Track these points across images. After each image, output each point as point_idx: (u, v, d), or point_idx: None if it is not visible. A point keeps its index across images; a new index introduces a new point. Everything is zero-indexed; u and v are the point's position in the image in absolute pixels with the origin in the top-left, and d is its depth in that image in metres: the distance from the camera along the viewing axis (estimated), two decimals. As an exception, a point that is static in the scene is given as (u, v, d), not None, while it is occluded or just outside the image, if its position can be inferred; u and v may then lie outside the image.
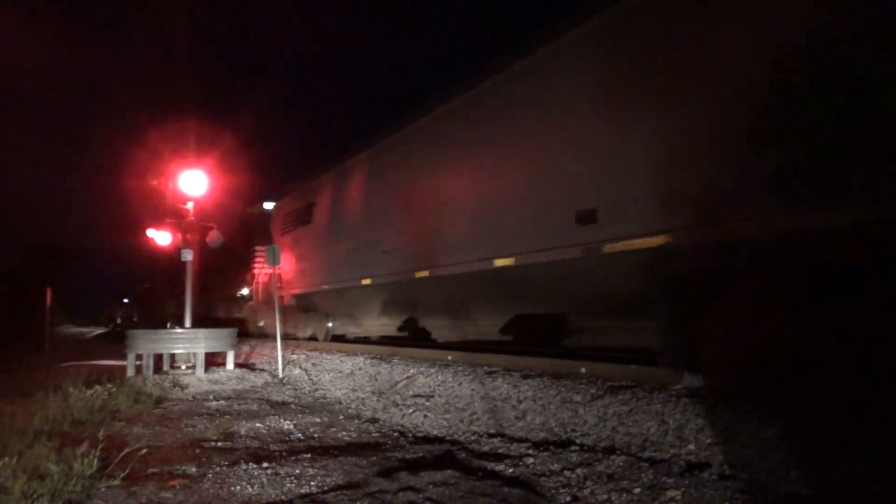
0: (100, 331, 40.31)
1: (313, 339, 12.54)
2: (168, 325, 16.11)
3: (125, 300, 56.66)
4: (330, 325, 12.32)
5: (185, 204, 9.80)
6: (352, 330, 11.97)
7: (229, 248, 14.93)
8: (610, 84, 5.61)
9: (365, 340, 11.20)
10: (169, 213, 9.80)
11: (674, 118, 4.97)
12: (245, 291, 16.39)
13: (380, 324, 10.25)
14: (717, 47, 4.68)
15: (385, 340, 10.18)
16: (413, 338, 9.65)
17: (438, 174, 8.11)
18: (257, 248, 15.22)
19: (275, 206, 14.99)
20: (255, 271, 15.52)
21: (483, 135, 7.29)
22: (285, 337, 11.63)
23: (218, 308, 19.40)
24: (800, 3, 4.21)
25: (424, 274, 8.18)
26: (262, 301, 15.07)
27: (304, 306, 12.97)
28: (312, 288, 11.99)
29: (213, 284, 18.78)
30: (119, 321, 49.02)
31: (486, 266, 6.95)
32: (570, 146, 5.96)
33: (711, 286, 4.65)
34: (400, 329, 9.81)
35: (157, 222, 10.03)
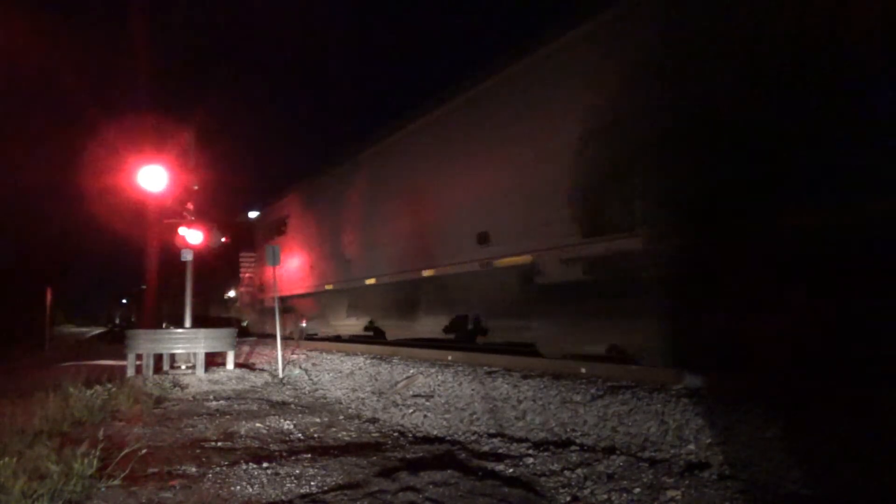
0: (99, 330, 41.17)
1: (289, 337, 13.67)
2: (163, 326, 16.57)
3: (123, 301, 57.35)
4: (304, 325, 13.61)
5: (185, 204, 9.80)
6: (323, 330, 13.00)
7: (218, 254, 16.24)
8: (486, 142, 7.63)
9: (336, 339, 12.22)
10: (173, 214, 9.78)
11: (521, 171, 6.97)
12: (232, 294, 18.20)
13: (347, 324, 11.29)
14: (542, 125, 6.68)
15: (366, 339, 10.94)
16: (374, 338, 10.64)
17: (377, 201, 10.17)
18: (242, 254, 17.02)
19: (256, 217, 16.29)
20: (241, 276, 17.37)
21: (409, 171, 9.30)
22: (262, 335, 12.66)
23: (209, 309, 21.29)
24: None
25: (372, 281, 9.93)
26: (247, 303, 16.90)
27: (283, 308, 13.95)
28: (288, 292, 13.64)
29: (204, 287, 20.01)
30: (117, 321, 49.71)
31: (417, 276, 8.67)
32: (471, 184, 7.90)
33: (569, 295, 6.27)
34: (366, 329, 10.76)
35: (176, 222, 9.91)
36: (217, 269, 18.44)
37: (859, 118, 4.01)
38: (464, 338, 8.09)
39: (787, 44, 4.37)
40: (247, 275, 17.29)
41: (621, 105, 5.66)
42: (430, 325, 8.70)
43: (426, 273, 8.59)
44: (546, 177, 6.55)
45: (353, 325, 11.06)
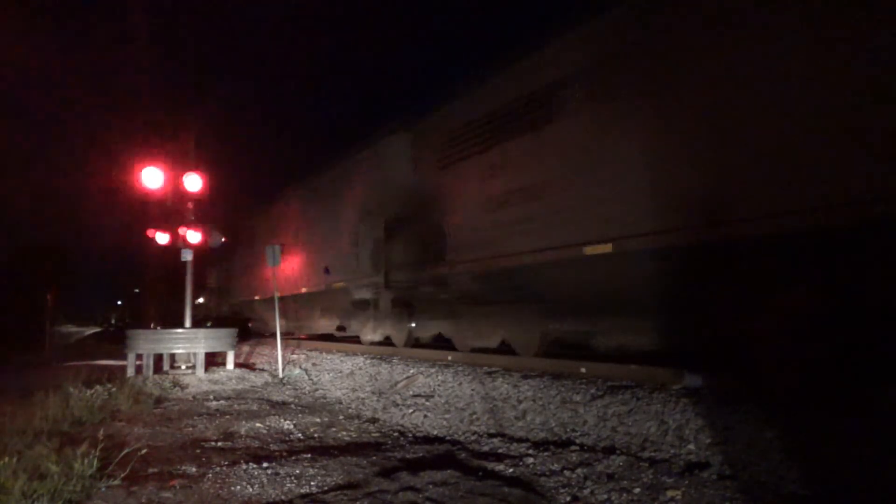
0: (97, 330, 42.88)
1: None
2: (151, 326, 18.04)
3: (119, 302, 59.08)
4: (250, 325, 16.97)
5: (186, 204, 9.79)
6: (265, 327, 15.76)
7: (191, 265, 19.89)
8: (325, 209, 11.52)
9: (322, 338, 13.64)
10: (170, 214, 9.79)
11: (342, 229, 10.65)
12: (201, 300, 21.84)
13: (320, 325, 13.01)
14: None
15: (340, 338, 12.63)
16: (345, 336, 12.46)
17: (300, 229, 12.96)
18: (208, 267, 20.66)
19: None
20: (207, 284, 21.35)
21: (309, 214, 12.65)
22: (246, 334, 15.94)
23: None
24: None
25: (309, 290, 12.53)
26: (213, 306, 21.17)
27: (238, 310, 18.51)
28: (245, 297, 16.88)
29: (179, 293, 23.31)
30: (113, 321, 51.38)
31: (321, 288, 11.54)
32: (322, 233, 11.66)
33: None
34: (338, 328, 12.11)
35: (158, 223, 9.99)
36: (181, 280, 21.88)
37: None
38: (339, 329, 11.82)
39: None
40: (210, 285, 21.53)
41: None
42: (326, 324, 12.35)
43: (310, 290, 12.18)
44: (347, 237, 10.37)
45: (326, 325, 13.29)
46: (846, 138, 3.93)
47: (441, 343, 8.81)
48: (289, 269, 12.77)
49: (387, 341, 9.63)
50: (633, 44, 5.32)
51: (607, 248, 5.37)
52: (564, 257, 5.81)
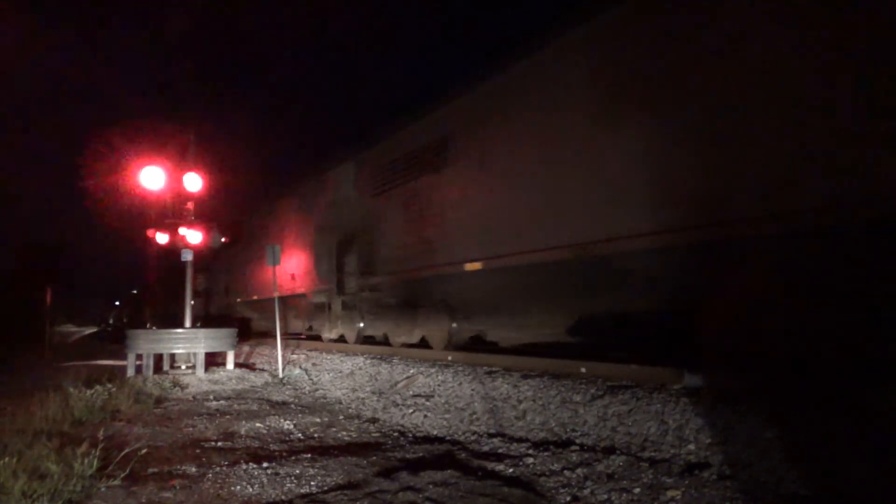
0: (95, 329, 45.22)
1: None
2: (147, 326, 18.41)
3: (116, 303, 60.55)
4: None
5: (186, 204, 9.80)
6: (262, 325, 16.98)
7: (181, 269, 21.17)
8: (285, 227, 13.46)
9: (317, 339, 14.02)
10: (170, 214, 9.80)
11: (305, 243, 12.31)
12: (191, 302, 22.77)
13: (294, 325, 13.93)
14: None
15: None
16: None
17: (277, 239, 13.06)
18: (198, 274, 20.58)
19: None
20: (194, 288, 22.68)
21: (283, 226, 13.70)
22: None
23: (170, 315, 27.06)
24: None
25: (282, 294, 13.41)
26: (199, 308, 21.41)
27: (232, 310, 19.25)
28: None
29: (169, 297, 25.56)
30: (111, 321, 52.96)
31: (294, 293, 12.62)
32: (290, 246, 12.79)
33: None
34: (307, 329, 13.10)
35: (158, 223, 10.01)
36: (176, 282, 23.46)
37: None
38: (308, 329, 12.83)
39: None
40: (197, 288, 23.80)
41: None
42: (298, 324, 13.27)
43: (285, 294, 12.65)
44: (310, 249, 11.97)
45: (261, 323, 15.14)
46: None
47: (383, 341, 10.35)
48: (268, 275, 13.36)
49: (341, 339, 11.27)
50: (489, 111, 7.20)
51: (478, 265, 7.15)
52: (454, 272, 7.52)
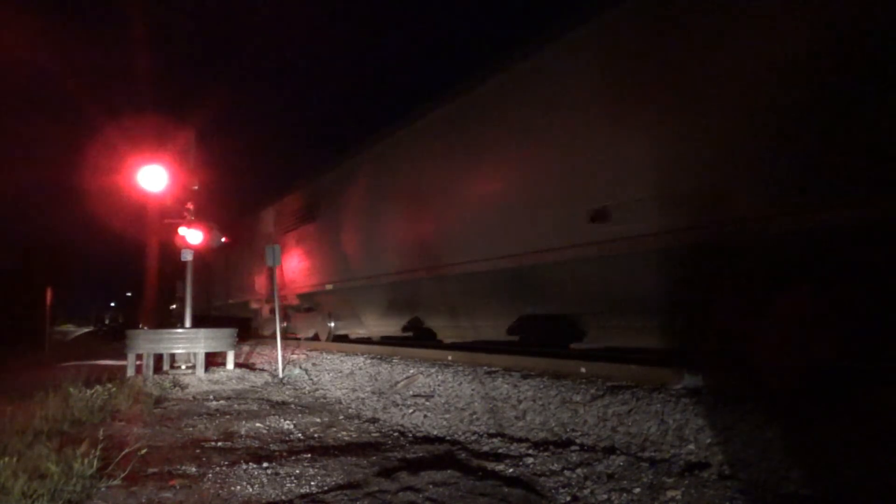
0: (91, 329, 48.18)
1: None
2: (140, 326, 19.21)
3: (112, 304, 62.37)
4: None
5: (185, 204, 9.80)
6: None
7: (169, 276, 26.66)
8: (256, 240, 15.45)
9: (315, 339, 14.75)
10: (171, 214, 9.79)
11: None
12: (173, 306, 26.91)
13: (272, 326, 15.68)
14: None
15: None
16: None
17: (251, 249, 15.54)
18: (178, 281, 22.99)
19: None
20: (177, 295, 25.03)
21: (251, 239, 15.90)
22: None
23: (159, 316, 29.48)
24: None
25: (253, 298, 16.18)
26: (179, 311, 23.72)
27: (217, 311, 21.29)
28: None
29: (159, 300, 30.55)
30: (107, 321, 55.76)
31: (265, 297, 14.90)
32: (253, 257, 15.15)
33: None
34: (284, 328, 14.79)
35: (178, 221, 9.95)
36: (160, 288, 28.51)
37: None
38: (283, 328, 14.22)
39: None
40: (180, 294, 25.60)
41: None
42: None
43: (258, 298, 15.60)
44: (255, 267, 15.27)
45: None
46: None
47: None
48: (249, 280, 16.39)
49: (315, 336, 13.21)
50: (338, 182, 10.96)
51: (331, 286, 10.99)
52: (322, 290, 11.43)
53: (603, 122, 5.42)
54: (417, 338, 9.77)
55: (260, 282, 14.81)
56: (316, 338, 12.67)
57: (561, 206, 5.87)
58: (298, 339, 13.44)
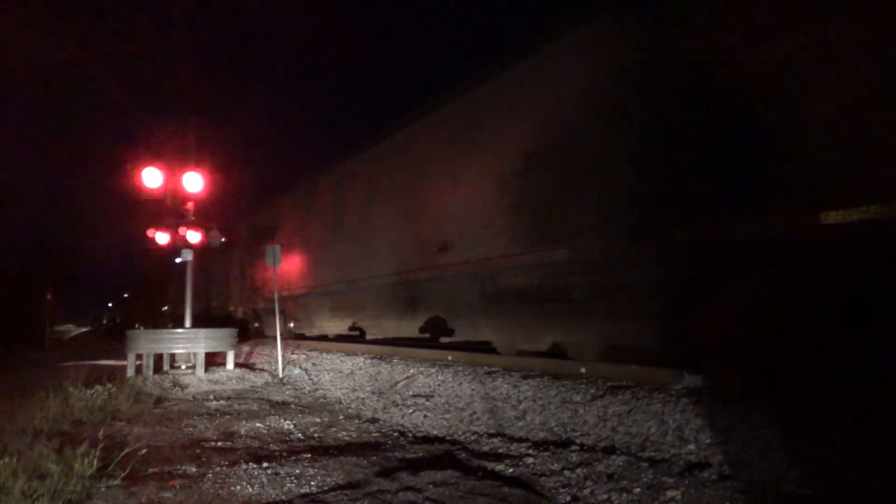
0: (88, 329, 50.22)
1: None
2: (136, 326, 19.58)
3: (109, 304, 63.99)
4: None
5: (185, 204, 9.80)
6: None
7: (160, 282, 30.21)
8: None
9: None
10: (169, 214, 9.79)
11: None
12: (165, 308, 28.91)
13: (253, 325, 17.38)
14: None
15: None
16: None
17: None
18: (170, 284, 26.82)
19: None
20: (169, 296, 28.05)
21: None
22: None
23: (150, 317, 31.32)
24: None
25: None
26: (172, 312, 25.89)
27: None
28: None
29: (150, 302, 33.57)
30: (104, 321, 57.40)
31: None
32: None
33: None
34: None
35: (158, 223, 10.01)
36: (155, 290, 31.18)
37: None
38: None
39: None
40: (170, 296, 28.01)
41: None
42: (255, 325, 16.88)
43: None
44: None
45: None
46: None
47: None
48: (227, 288, 19.22)
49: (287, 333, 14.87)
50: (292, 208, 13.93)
51: (287, 293, 13.23)
52: (281, 296, 11.54)
53: (446, 184, 8.05)
54: (357, 336, 11.44)
55: (236, 288, 17.96)
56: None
57: (422, 240, 8.52)
58: (266, 335, 15.56)
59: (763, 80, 4.38)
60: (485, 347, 7.55)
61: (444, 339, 8.52)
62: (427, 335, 8.74)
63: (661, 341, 5.16)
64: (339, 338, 12.42)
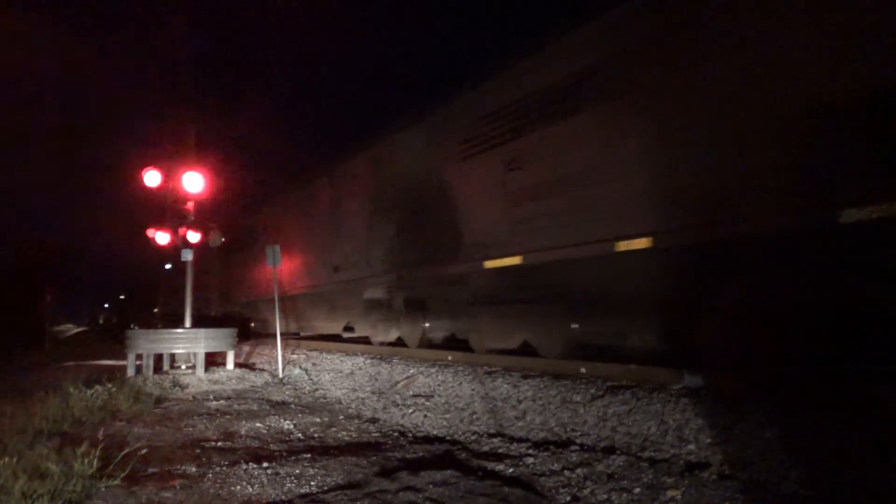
0: (85, 328, 50.96)
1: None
2: (131, 326, 19.81)
3: (106, 305, 64.94)
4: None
5: (185, 204, 9.80)
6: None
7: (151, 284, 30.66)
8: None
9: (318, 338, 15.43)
10: (170, 214, 9.80)
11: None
12: (156, 310, 29.36)
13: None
14: None
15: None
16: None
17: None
18: (161, 287, 27.06)
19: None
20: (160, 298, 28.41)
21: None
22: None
23: (140, 318, 32.49)
24: None
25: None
26: (164, 312, 26.38)
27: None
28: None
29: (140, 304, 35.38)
30: (101, 321, 57.96)
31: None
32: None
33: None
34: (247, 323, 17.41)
35: (159, 223, 10.03)
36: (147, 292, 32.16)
37: None
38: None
39: None
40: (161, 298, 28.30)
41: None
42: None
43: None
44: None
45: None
46: None
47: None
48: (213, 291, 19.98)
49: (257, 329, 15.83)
50: (273, 216, 15.26)
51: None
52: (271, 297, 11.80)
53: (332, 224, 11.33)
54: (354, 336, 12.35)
55: (213, 291, 19.24)
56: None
57: (324, 263, 11.50)
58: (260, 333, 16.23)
59: (428, 187, 8.27)
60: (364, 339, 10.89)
61: (346, 335, 12.05)
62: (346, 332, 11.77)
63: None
64: (322, 337, 13.32)
